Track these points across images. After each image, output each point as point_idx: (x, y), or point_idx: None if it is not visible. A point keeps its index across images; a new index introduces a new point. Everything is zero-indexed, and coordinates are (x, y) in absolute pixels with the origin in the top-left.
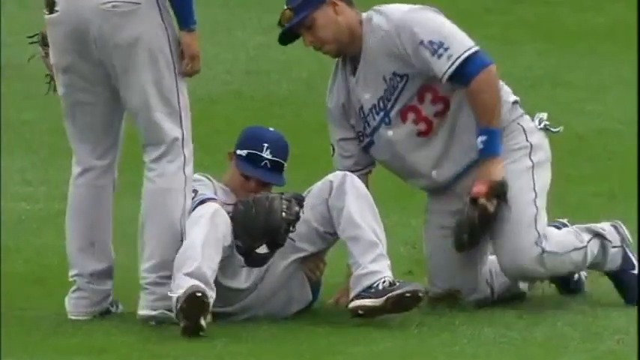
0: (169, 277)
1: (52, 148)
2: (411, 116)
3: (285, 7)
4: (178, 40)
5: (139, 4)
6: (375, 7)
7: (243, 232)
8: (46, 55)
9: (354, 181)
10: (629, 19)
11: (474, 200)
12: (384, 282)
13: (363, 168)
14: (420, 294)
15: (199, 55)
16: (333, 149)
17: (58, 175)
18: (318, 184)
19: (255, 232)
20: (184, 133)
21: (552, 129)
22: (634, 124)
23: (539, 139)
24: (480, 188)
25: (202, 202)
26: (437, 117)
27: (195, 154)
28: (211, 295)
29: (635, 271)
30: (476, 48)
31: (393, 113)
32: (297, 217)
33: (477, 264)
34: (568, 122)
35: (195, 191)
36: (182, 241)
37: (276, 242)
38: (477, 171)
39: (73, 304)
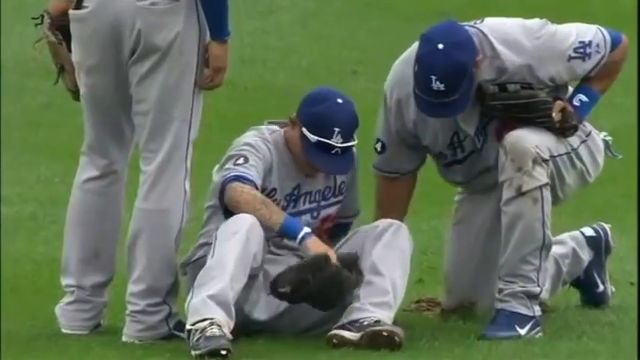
0: (159, 305)
1: (25, 144)
2: (505, 131)
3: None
4: (206, 48)
5: (178, 1)
6: (494, 33)
7: (295, 282)
8: (58, 41)
9: (398, 230)
10: None
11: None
12: (370, 319)
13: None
14: (397, 339)
15: (225, 68)
16: (383, 148)
17: (30, 175)
18: (366, 227)
19: (308, 295)
20: (189, 145)
21: (613, 152)
22: None
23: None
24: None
25: (236, 178)
26: None
27: None
28: (230, 338)
29: (600, 290)
30: (600, 27)
31: (489, 132)
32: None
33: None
34: (595, 117)
35: (244, 158)
36: (173, 265)
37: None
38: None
39: (68, 317)
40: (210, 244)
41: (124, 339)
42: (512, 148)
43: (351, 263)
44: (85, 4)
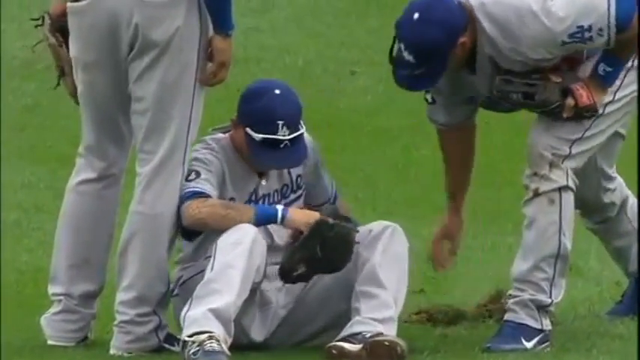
0: (149, 315)
1: (9, 148)
2: (553, 76)
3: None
4: (209, 43)
5: None
6: (486, 6)
7: (307, 258)
8: (58, 43)
9: (394, 234)
10: None
11: (571, 94)
12: (372, 332)
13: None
14: (399, 349)
15: (229, 63)
16: (433, 100)
17: (14, 180)
18: (360, 230)
19: (321, 264)
20: (187, 146)
21: None
22: None
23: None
24: (581, 94)
25: (192, 195)
26: None
27: None
28: (228, 354)
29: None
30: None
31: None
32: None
33: None
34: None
35: (196, 173)
36: (165, 274)
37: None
38: (587, 80)
39: (55, 328)
40: (200, 262)
41: (111, 351)
42: (530, 152)
43: (336, 212)
44: None
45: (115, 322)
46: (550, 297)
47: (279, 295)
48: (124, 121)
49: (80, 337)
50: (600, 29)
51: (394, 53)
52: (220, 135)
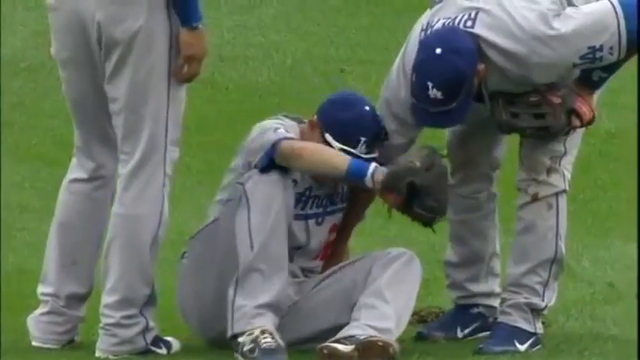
0: (134, 317)
1: None
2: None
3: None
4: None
5: None
6: (489, 38)
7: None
8: None
9: (410, 261)
10: None
11: (576, 114)
12: (366, 335)
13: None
14: (392, 350)
15: (201, 57)
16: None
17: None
18: (377, 252)
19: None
20: (167, 145)
21: None
22: None
23: None
24: (585, 111)
25: (286, 139)
26: None
27: None
28: (283, 347)
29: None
30: (618, 9)
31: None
32: None
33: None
34: (598, 117)
35: (285, 128)
36: (149, 275)
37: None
38: (576, 87)
39: (41, 329)
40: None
41: (97, 354)
42: (527, 159)
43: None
44: None
45: (101, 325)
46: (544, 300)
47: (289, 288)
48: (108, 121)
49: (66, 339)
50: (611, 48)
51: (414, 95)
52: (293, 122)
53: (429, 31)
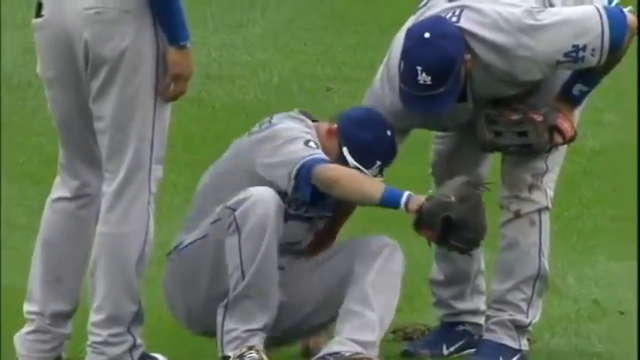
0: (121, 335)
1: None
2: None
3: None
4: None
5: (127, 11)
6: (475, 31)
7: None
8: None
9: (393, 253)
10: None
11: (557, 131)
12: (352, 352)
13: None
14: None
15: (187, 76)
16: None
17: None
18: (359, 241)
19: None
20: (152, 164)
21: None
22: None
23: None
24: (567, 128)
25: (324, 160)
26: None
27: None
28: None
29: None
30: (603, 16)
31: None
32: None
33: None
34: (583, 135)
35: (315, 143)
36: (135, 292)
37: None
38: (557, 103)
39: (27, 347)
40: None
41: None
42: (509, 176)
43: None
44: (42, 12)
45: (88, 343)
46: (528, 317)
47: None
48: (93, 139)
49: (52, 357)
50: (594, 49)
51: (403, 81)
52: (311, 123)
53: None
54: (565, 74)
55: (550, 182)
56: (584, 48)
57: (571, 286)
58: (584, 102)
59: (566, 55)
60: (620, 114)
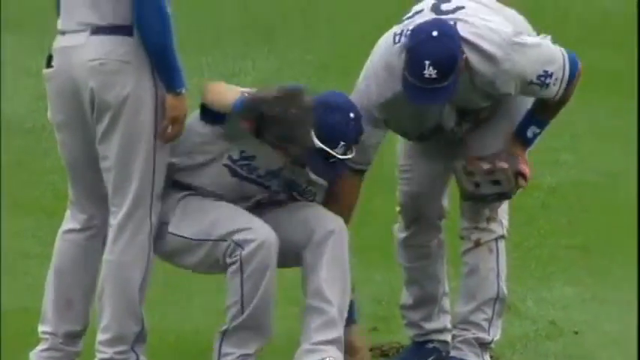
0: (126, 352)
1: None
2: (483, 115)
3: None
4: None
5: (128, 62)
6: (472, 41)
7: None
8: None
9: (337, 240)
10: (605, 66)
11: (521, 175)
12: (322, 358)
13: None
14: None
15: (183, 119)
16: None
17: (2, 228)
18: (300, 220)
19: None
20: (153, 199)
21: None
22: (610, 176)
23: None
24: (527, 171)
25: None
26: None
27: None
28: None
29: None
30: (564, 54)
31: (468, 122)
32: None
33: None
34: (541, 173)
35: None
36: (138, 314)
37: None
38: (513, 147)
39: None
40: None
41: None
42: (469, 211)
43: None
44: (52, 62)
45: (96, 359)
46: (489, 335)
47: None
48: (99, 177)
49: None
50: (556, 79)
51: (409, 73)
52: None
53: (403, 35)
54: (517, 101)
55: (504, 213)
56: (551, 75)
57: (530, 308)
58: (535, 143)
59: (538, 77)
60: (574, 154)
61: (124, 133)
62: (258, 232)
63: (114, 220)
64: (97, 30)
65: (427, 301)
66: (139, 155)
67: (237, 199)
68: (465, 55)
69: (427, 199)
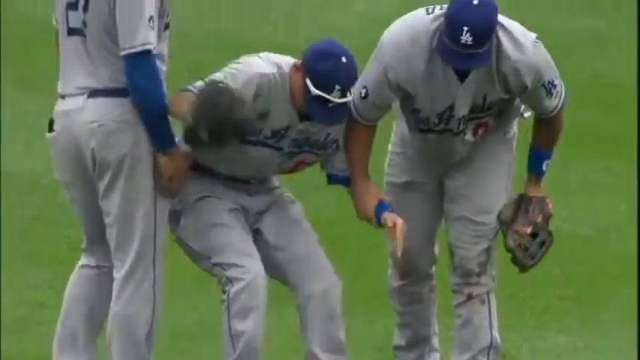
0: None
1: (16, 253)
2: (480, 131)
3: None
4: None
5: (125, 122)
6: (507, 26)
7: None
8: None
9: (328, 295)
10: (597, 123)
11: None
12: None
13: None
14: None
15: (179, 178)
16: (367, 95)
17: (20, 281)
18: (300, 257)
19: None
20: (156, 253)
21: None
22: (602, 230)
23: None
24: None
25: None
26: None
27: None
28: None
29: None
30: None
31: (471, 126)
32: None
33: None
34: None
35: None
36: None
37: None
38: (533, 188)
39: None
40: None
41: None
42: (460, 268)
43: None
44: (54, 127)
45: None
46: None
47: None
48: (105, 230)
49: None
50: (558, 93)
51: (447, 37)
52: (278, 61)
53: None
54: (501, 139)
55: (493, 265)
56: (556, 86)
57: (525, 356)
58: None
59: (549, 82)
60: (567, 208)
61: (123, 190)
62: (249, 272)
63: (117, 275)
64: (94, 93)
65: (420, 342)
66: (139, 212)
67: (254, 171)
68: (499, 32)
69: (419, 253)
